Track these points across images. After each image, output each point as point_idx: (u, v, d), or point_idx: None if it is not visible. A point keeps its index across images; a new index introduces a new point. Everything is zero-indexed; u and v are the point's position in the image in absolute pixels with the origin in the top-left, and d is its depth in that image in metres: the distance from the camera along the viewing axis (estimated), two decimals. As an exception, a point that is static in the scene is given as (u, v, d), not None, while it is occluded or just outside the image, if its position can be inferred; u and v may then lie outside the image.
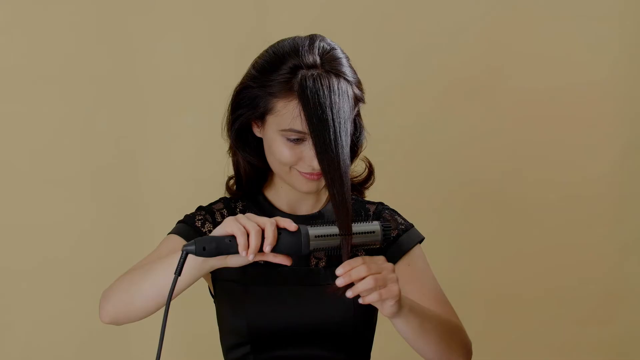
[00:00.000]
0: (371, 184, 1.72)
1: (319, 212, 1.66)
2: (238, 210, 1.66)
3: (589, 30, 2.76)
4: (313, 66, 1.53)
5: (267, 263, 1.60)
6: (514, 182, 2.78)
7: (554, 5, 2.75)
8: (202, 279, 1.69)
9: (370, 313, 1.64)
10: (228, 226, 1.40)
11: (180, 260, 1.40)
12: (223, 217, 1.65)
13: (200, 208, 1.67)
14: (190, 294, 2.53)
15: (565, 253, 2.82)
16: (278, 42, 1.59)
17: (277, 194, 1.66)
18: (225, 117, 1.63)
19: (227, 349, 1.66)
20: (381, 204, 1.71)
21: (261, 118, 1.57)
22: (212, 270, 1.46)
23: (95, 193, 2.59)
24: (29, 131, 2.55)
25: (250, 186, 1.67)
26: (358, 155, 1.67)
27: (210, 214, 1.66)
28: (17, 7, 2.53)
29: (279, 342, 1.60)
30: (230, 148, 1.66)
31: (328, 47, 1.57)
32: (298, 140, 1.54)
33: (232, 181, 1.70)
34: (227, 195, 1.71)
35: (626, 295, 2.86)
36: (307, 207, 1.67)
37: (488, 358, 2.84)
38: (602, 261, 2.84)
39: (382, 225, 1.46)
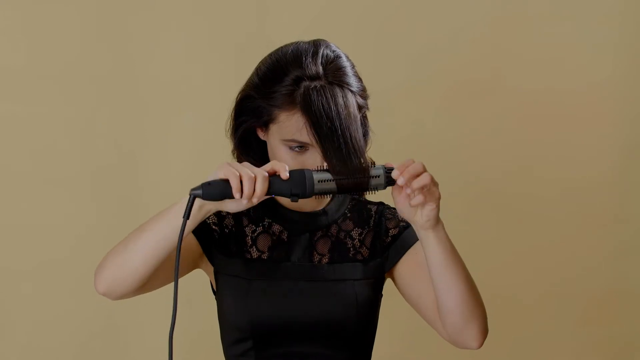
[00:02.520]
0: None
1: (323, 209, 1.67)
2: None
3: (589, 30, 2.76)
4: (316, 77, 1.52)
5: (270, 258, 1.62)
6: (515, 183, 2.78)
7: (554, 5, 2.75)
8: (204, 273, 1.70)
9: (372, 311, 1.65)
10: (222, 171, 1.42)
11: (188, 204, 1.43)
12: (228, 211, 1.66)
13: None
14: (191, 290, 2.54)
15: (565, 253, 2.82)
16: (281, 48, 1.58)
17: None
18: (229, 122, 1.62)
19: (228, 345, 1.66)
20: (381, 203, 1.71)
21: (265, 125, 1.57)
22: (207, 215, 1.48)
23: (95, 193, 2.59)
24: (29, 131, 2.55)
25: None
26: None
27: None
28: (17, 7, 2.53)
29: (281, 338, 1.60)
30: (236, 149, 1.66)
31: (332, 56, 1.55)
32: (301, 149, 1.54)
33: None
34: None
35: (626, 295, 2.86)
36: (311, 205, 1.66)
37: (488, 358, 2.84)
38: (602, 261, 2.84)
39: (385, 169, 1.48)
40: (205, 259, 1.65)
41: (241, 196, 1.42)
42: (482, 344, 1.58)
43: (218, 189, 1.42)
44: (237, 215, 1.65)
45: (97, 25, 2.57)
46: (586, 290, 2.83)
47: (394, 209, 1.69)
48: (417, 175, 1.46)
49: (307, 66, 1.52)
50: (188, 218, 1.43)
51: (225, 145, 1.72)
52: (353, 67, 1.58)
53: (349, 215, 1.68)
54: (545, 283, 2.82)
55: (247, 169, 1.42)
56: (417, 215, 1.50)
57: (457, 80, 2.73)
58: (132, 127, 2.59)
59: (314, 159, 1.53)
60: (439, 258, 1.52)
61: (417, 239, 1.62)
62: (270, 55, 1.58)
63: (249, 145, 1.63)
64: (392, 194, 1.52)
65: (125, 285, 1.52)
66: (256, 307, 1.59)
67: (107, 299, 2.63)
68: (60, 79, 2.56)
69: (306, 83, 1.51)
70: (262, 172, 1.43)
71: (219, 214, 1.64)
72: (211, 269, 1.66)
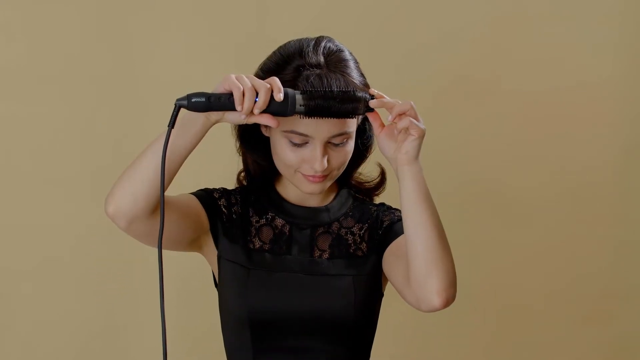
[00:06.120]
0: (382, 191, 1.75)
1: (326, 206, 1.69)
2: (252, 198, 1.69)
3: (589, 30, 2.77)
4: (317, 66, 1.55)
5: (271, 250, 1.64)
6: (513, 183, 2.78)
7: (553, 5, 2.75)
8: (208, 265, 1.70)
9: (371, 307, 1.65)
10: (226, 83, 1.44)
11: (173, 113, 1.46)
12: (237, 200, 1.68)
13: (220, 188, 1.70)
14: (191, 290, 2.53)
15: (564, 253, 2.83)
16: (285, 44, 1.61)
17: (286, 189, 1.69)
18: None
19: (227, 336, 1.67)
20: (382, 204, 1.73)
21: None
22: (212, 124, 1.49)
23: (95, 193, 2.58)
24: (29, 131, 2.55)
25: (259, 182, 1.70)
26: (366, 158, 1.69)
27: (227, 194, 1.69)
28: (17, 7, 2.53)
29: (278, 330, 1.61)
30: (240, 147, 1.68)
31: (334, 48, 1.58)
32: (301, 143, 1.55)
33: (242, 174, 1.72)
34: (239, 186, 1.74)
35: (626, 295, 2.86)
36: (315, 201, 1.69)
37: (487, 358, 2.84)
38: (601, 261, 2.84)
39: (365, 97, 1.51)
40: (210, 240, 1.66)
41: (242, 109, 1.44)
42: (444, 304, 1.50)
43: (202, 99, 1.44)
44: (245, 205, 1.67)
45: (97, 25, 2.57)
46: (585, 290, 2.83)
47: (396, 209, 1.71)
48: (392, 105, 1.50)
49: (308, 55, 1.55)
50: (172, 127, 1.46)
51: (226, 144, 1.73)
52: (356, 62, 1.60)
53: (350, 214, 1.69)
54: (545, 283, 2.82)
55: (250, 84, 1.44)
56: (397, 150, 1.51)
57: (456, 80, 2.73)
58: (132, 127, 2.59)
59: (313, 153, 1.54)
60: (410, 194, 1.51)
61: None
62: (275, 50, 1.61)
63: (254, 144, 1.65)
64: (375, 133, 1.55)
65: (132, 203, 1.51)
66: (254, 297, 1.61)
67: (105, 298, 2.65)
68: (60, 79, 2.56)
69: (307, 71, 1.53)
70: (265, 85, 1.44)
71: (228, 201, 1.66)
72: (213, 253, 1.67)
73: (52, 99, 2.56)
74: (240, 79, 1.44)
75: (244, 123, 1.48)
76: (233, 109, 1.45)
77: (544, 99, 2.77)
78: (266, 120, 1.46)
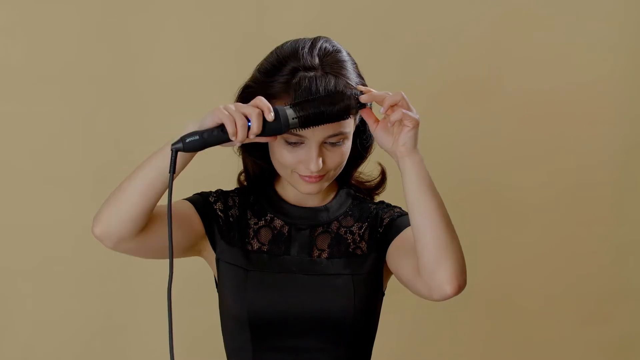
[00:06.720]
0: (382, 191, 1.75)
1: (325, 206, 1.68)
2: (251, 199, 1.69)
3: (589, 30, 2.77)
4: (311, 68, 1.54)
5: (270, 251, 1.64)
6: (512, 182, 2.79)
7: (553, 5, 2.75)
8: (208, 266, 1.71)
9: (371, 307, 1.65)
10: (216, 116, 1.45)
11: (171, 159, 1.46)
12: (234, 202, 1.68)
13: (217, 190, 1.70)
14: (193, 286, 2.53)
15: (564, 253, 2.83)
16: (282, 44, 1.61)
17: (285, 189, 1.69)
18: None
19: (227, 337, 1.67)
20: (382, 202, 1.73)
21: None
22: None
23: (95, 193, 2.58)
24: (29, 131, 2.56)
25: (258, 183, 1.70)
26: (366, 157, 1.69)
27: (224, 196, 1.69)
28: (18, 7, 2.53)
29: (278, 330, 1.61)
30: (239, 148, 1.68)
31: (331, 49, 1.58)
32: (297, 143, 1.55)
33: (242, 176, 1.72)
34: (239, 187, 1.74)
35: (626, 296, 2.86)
36: (314, 201, 1.69)
37: (486, 357, 2.84)
38: (601, 261, 2.84)
39: (354, 93, 1.52)
40: (208, 244, 1.66)
41: (236, 139, 1.45)
42: (456, 291, 1.50)
43: (197, 140, 1.45)
44: (242, 207, 1.68)
45: (97, 25, 2.57)
46: (585, 290, 2.83)
47: (395, 206, 1.71)
48: (383, 98, 1.50)
49: (303, 57, 1.55)
50: (174, 172, 1.46)
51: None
52: (354, 63, 1.59)
53: (350, 213, 1.69)
54: (545, 283, 2.83)
55: (240, 113, 1.44)
56: (394, 143, 1.51)
57: (456, 80, 2.73)
58: (132, 127, 2.60)
59: (309, 153, 1.55)
60: (414, 184, 1.51)
61: (409, 224, 1.61)
62: (272, 51, 1.61)
63: (252, 145, 1.65)
64: (371, 129, 1.55)
65: (119, 226, 1.51)
66: (253, 298, 1.61)
67: (105, 298, 2.65)
68: (61, 78, 2.56)
69: (302, 73, 1.54)
70: (254, 110, 1.45)
71: (225, 204, 1.66)
72: (213, 256, 1.67)
73: (52, 99, 2.56)
74: (228, 109, 1.45)
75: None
76: (228, 140, 1.46)
77: (544, 99, 2.77)
78: (264, 139, 1.48)
